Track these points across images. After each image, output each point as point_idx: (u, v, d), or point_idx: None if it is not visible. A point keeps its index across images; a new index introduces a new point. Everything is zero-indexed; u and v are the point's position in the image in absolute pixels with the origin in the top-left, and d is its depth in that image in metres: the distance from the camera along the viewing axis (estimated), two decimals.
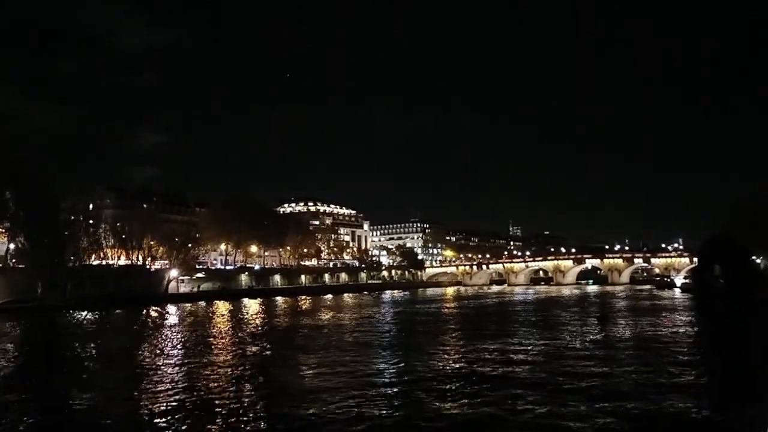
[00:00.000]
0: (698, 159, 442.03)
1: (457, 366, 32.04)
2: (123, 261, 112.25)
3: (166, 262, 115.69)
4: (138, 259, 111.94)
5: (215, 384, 28.53)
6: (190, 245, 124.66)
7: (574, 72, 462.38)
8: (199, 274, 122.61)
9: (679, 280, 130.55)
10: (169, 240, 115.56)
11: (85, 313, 76.88)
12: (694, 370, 30.44)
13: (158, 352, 41.43)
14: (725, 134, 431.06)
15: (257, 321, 66.51)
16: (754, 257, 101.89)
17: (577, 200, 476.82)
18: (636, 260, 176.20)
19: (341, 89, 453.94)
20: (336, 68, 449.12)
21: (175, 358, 37.85)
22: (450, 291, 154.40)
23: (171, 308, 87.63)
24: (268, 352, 39.89)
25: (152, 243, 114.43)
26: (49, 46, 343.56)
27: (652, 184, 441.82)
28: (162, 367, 34.10)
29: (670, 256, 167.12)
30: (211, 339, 48.36)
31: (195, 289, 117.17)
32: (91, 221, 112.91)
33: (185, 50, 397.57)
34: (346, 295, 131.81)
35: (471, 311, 76.90)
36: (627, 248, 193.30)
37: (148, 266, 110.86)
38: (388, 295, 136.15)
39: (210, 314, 77.54)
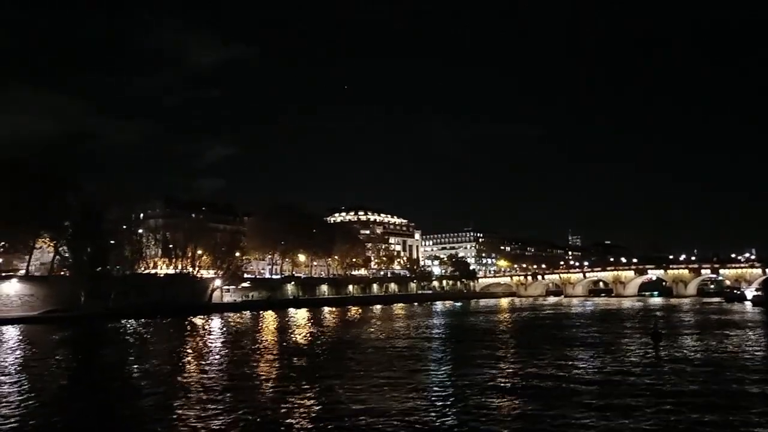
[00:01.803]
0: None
1: (501, 383, 31.14)
2: (172, 270, 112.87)
3: (213, 271, 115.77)
4: (184, 269, 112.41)
5: (262, 396, 28.49)
6: (237, 254, 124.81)
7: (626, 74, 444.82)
8: (245, 284, 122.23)
9: (750, 293, 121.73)
10: (215, 249, 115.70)
11: (128, 322, 77.19)
12: (756, 401, 26.03)
13: (200, 363, 40.56)
14: None
15: (304, 332, 65.50)
16: None
17: (643, 209, 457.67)
18: (703, 271, 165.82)
19: (399, 99, 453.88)
20: (393, 79, 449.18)
21: (220, 370, 37.01)
22: (504, 302, 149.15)
23: (215, 318, 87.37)
24: (316, 365, 38.81)
25: (198, 252, 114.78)
26: (121, 63, 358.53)
27: (723, 192, 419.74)
28: (205, 378, 33.50)
29: (741, 267, 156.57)
30: (257, 350, 47.83)
31: (240, 299, 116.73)
32: (140, 230, 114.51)
33: (248, 66, 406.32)
34: (395, 305, 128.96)
35: (522, 325, 73.61)
36: (693, 258, 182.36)
37: (192, 275, 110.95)
38: (439, 306, 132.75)
39: (255, 324, 77.17)
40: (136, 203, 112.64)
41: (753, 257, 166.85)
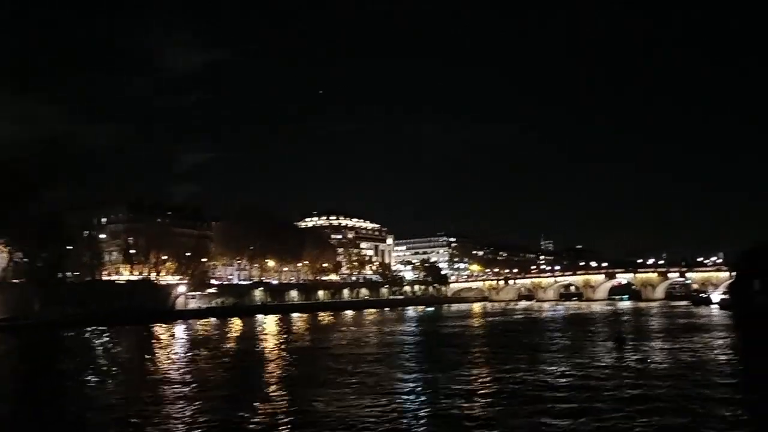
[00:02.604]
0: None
1: (471, 388, 31.11)
2: (134, 276, 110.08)
3: (178, 277, 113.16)
4: (148, 275, 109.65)
5: (225, 405, 27.52)
6: (203, 260, 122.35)
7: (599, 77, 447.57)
8: (211, 290, 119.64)
9: (716, 296, 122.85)
10: (180, 255, 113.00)
11: (86, 330, 74.56)
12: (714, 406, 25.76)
13: (160, 372, 39.43)
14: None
15: (272, 339, 65.03)
16: None
17: (615, 214, 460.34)
18: (671, 275, 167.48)
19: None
20: (375, 80, 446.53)
21: (181, 379, 35.87)
22: (476, 307, 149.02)
23: (178, 325, 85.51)
24: (283, 372, 38.48)
25: (163, 258, 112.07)
26: (99, 67, 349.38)
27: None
28: (165, 388, 32.42)
29: (708, 271, 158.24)
30: (220, 358, 46.81)
31: (205, 305, 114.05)
32: (102, 236, 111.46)
33: (227, 69, 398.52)
34: (366, 311, 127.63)
35: (493, 331, 73.56)
36: (661, 262, 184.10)
37: (155, 281, 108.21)
38: (411, 311, 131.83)
39: (221, 331, 75.97)
40: (99, 208, 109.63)
41: (720, 261, 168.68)
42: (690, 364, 38.66)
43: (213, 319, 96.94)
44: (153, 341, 64.06)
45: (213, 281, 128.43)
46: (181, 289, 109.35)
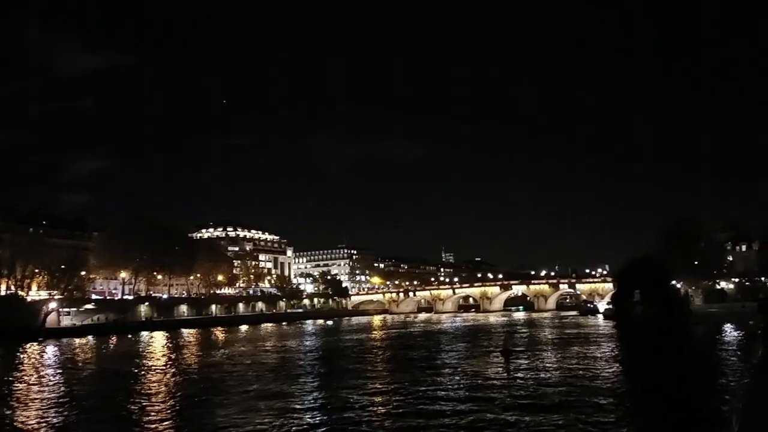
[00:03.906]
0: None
1: (366, 403, 31.17)
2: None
3: (52, 291, 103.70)
4: (15, 290, 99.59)
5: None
6: (83, 273, 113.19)
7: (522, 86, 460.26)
8: (89, 305, 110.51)
9: (602, 306, 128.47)
10: (53, 267, 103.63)
11: None
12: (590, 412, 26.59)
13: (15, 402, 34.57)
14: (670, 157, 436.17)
15: (152, 358, 60.73)
16: (674, 281, 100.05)
17: (513, 227, 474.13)
18: (561, 286, 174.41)
19: (276, 114, 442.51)
20: (273, 92, 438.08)
21: (26, 409, 31.94)
22: (376, 320, 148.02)
23: (47, 345, 78.24)
24: (157, 396, 35.12)
25: (35, 270, 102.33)
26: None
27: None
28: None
29: (595, 282, 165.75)
30: (82, 383, 42.40)
31: (81, 323, 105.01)
32: None
33: (123, 75, 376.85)
34: (263, 325, 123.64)
35: (389, 344, 72.19)
36: (553, 274, 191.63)
37: (22, 296, 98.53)
38: (309, 325, 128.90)
39: (93, 351, 70.99)
40: None
41: (605, 272, 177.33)
42: (570, 374, 39.49)
43: (90, 338, 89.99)
44: (13, 363, 57.33)
45: (94, 296, 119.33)
46: (53, 304, 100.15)
